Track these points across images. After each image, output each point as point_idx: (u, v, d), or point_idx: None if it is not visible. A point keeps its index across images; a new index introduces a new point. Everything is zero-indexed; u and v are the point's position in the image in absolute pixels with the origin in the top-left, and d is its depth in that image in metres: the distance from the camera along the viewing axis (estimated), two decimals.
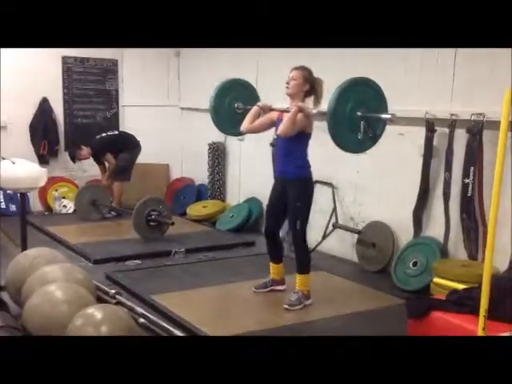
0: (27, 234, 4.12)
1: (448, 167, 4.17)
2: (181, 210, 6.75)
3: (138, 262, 4.83)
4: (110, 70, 7.25)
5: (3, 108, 6.30)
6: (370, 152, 3.57)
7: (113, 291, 3.61)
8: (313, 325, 3.54)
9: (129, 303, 3.49)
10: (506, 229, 3.74)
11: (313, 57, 4.14)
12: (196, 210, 6.58)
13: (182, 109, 7.53)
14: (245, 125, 3.88)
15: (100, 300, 3.36)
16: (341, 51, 4.55)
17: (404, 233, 4.59)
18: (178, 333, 3.12)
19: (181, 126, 7.51)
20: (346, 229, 5.02)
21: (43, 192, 6.71)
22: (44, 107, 6.77)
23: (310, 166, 3.78)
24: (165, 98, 7.54)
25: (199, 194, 7.05)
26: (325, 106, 3.39)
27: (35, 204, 6.83)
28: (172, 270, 4.62)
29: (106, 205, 6.45)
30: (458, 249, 4.20)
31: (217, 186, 6.80)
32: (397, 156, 4.58)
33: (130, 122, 7.30)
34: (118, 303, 3.43)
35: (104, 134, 6.62)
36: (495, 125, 3.18)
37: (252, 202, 6.18)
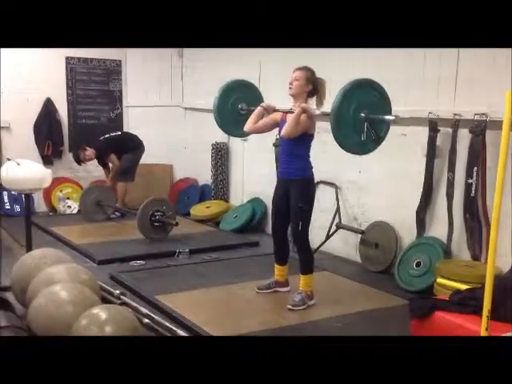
0: (32, 235, 4.14)
1: (451, 167, 4.17)
2: (184, 211, 6.76)
3: (142, 262, 4.84)
4: (113, 71, 7.27)
5: (8, 109, 6.35)
6: (374, 152, 3.57)
7: (117, 292, 3.63)
8: (316, 325, 3.54)
9: (133, 303, 3.51)
10: (509, 229, 3.74)
11: (315, 57, 4.15)
12: (200, 210, 6.60)
13: (186, 109, 7.55)
14: (248, 125, 3.89)
15: (105, 300, 3.38)
16: (343, 51, 4.56)
17: (407, 233, 4.59)
18: (182, 333, 3.13)
19: (184, 127, 7.53)
20: (350, 229, 5.02)
21: (48, 193, 6.74)
22: (48, 108, 6.79)
23: (312, 167, 3.79)
24: (168, 98, 7.56)
25: (203, 194, 7.06)
26: (328, 107, 3.40)
27: (40, 205, 6.85)
28: (176, 271, 4.64)
29: (111, 205, 6.47)
30: (461, 249, 4.20)
31: (220, 187, 6.81)
32: (400, 156, 4.58)
33: (134, 122, 7.32)
34: (123, 304, 3.45)
35: (108, 135, 6.64)
36: (498, 125, 3.18)
37: (255, 202, 6.19)
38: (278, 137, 4.05)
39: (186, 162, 7.54)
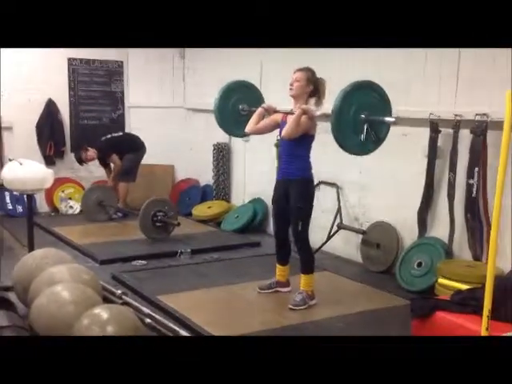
0: (34, 235, 4.15)
1: (452, 168, 4.18)
2: (186, 211, 6.76)
3: (143, 262, 4.85)
4: (115, 72, 7.28)
5: (10, 109, 6.37)
6: (375, 153, 3.58)
7: (119, 291, 3.64)
8: (317, 325, 3.55)
9: (135, 303, 3.51)
10: (510, 230, 3.74)
11: (316, 57, 4.15)
12: (201, 210, 6.60)
13: (187, 110, 7.56)
14: (249, 126, 3.90)
15: (106, 300, 3.38)
16: (343, 51, 4.56)
17: (408, 233, 4.59)
18: (184, 333, 3.13)
19: (186, 127, 7.54)
20: (351, 229, 5.02)
21: (50, 193, 6.75)
22: (50, 108, 6.80)
23: (311, 168, 3.80)
24: (170, 99, 7.57)
25: (204, 194, 7.07)
26: (328, 107, 3.41)
27: (42, 205, 6.87)
28: (178, 271, 4.65)
29: (113, 205, 6.49)
30: (462, 249, 4.20)
31: (222, 187, 6.82)
32: (401, 157, 4.58)
33: (136, 123, 7.33)
34: (125, 303, 3.45)
35: (109, 136, 6.65)
36: (499, 125, 3.18)
37: (257, 202, 6.19)
38: (279, 137, 4.06)
39: (188, 163, 7.54)
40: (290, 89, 3.71)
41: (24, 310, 3.28)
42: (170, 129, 7.44)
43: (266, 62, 5.88)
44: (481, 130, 3.92)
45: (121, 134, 6.88)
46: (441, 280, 3.85)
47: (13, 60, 6.32)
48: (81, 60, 7.02)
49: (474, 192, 4.01)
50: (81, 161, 6.58)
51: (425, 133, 4.33)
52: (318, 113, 3.61)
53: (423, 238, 4.46)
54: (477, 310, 2.68)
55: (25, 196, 4.29)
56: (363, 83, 3.36)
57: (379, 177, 4.81)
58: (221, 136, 5.99)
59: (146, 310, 3.43)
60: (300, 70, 3.73)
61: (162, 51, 7.24)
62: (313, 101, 3.74)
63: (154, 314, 3.35)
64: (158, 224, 5.52)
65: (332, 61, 4.77)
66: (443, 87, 4.25)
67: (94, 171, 6.98)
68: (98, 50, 6.78)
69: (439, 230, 4.37)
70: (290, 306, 3.75)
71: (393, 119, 3.32)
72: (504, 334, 2.49)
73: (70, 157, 6.88)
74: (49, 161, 6.68)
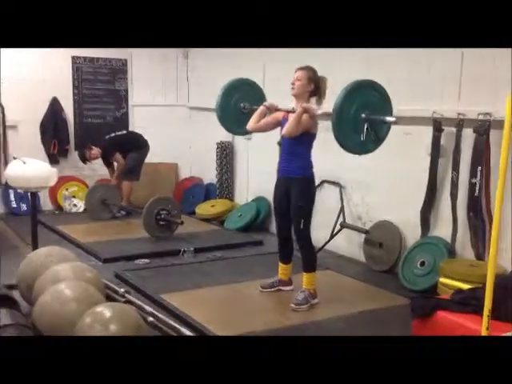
0: (38, 233, 4.17)
1: (455, 167, 4.17)
2: (190, 209, 6.78)
3: (147, 260, 4.87)
4: (119, 70, 7.30)
5: (14, 107, 6.39)
6: (378, 151, 3.58)
7: (122, 290, 3.65)
8: (319, 325, 3.55)
9: (138, 302, 3.52)
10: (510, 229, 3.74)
11: (317, 56, 4.15)
12: (205, 209, 6.62)
13: (191, 108, 7.57)
14: (251, 124, 3.91)
15: (109, 298, 3.40)
16: (345, 51, 4.55)
17: (411, 232, 4.59)
18: (187, 331, 3.15)
19: (189, 126, 7.55)
20: (354, 228, 5.02)
21: (53, 191, 6.78)
22: (54, 107, 6.83)
23: (312, 167, 3.80)
24: (173, 97, 7.59)
25: (208, 193, 7.08)
26: (329, 106, 3.41)
27: (46, 203, 6.90)
28: (181, 269, 4.66)
29: (116, 204, 6.50)
30: (465, 249, 4.20)
31: (225, 185, 6.83)
32: (404, 155, 4.58)
33: (140, 121, 7.35)
34: (127, 302, 3.47)
35: (113, 134, 6.67)
36: (502, 124, 3.17)
37: (260, 201, 6.20)
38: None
39: (191, 161, 7.56)
40: (292, 88, 3.71)
41: (27, 308, 3.30)
42: (174, 127, 7.46)
43: (270, 61, 5.88)
44: (484, 129, 3.91)
45: (124, 132, 6.91)
46: (443, 279, 3.84)
47: (14, 59, 6.35)
48: (85, 58, 7.05)
49: (477, 191, 4.00)
50: (84, 159, 6.60)
51: (428, 132, 4.32)
52: (319, 111, 3.61)
53: (426, 238, 4.45)
54: (477, 310, 2.68)
55: (29, 194, 4.30)
56: (364, 82, 3.35)
57: (382, 176, 4.81)
58: (224, 135, 5.99)
59: (148, 308, 3.44)
60: (301, 68, 3.73)
61: (166, 51, 7.26)
62: (314, 99, 3.74)
63: (156, 313, 3.37)
64: (161, 222, 5.53)
65: (334, 60, 4.76)
66: (446, 86, 4.24)
67: (98, 169, 7.01)
68: (102, 49, 6.80)
69: (442, 229, 4.36)
70: (292, 305, 3.76)
71: (393, 119, 3.31)
72: (504, 334, 2.49)
73: (74, 155, 6.90)
74: (53, 159, 6.72)
